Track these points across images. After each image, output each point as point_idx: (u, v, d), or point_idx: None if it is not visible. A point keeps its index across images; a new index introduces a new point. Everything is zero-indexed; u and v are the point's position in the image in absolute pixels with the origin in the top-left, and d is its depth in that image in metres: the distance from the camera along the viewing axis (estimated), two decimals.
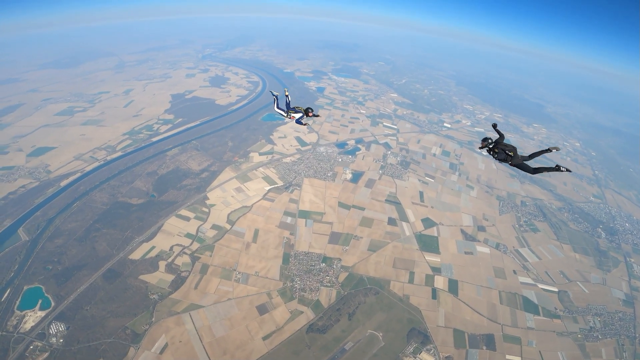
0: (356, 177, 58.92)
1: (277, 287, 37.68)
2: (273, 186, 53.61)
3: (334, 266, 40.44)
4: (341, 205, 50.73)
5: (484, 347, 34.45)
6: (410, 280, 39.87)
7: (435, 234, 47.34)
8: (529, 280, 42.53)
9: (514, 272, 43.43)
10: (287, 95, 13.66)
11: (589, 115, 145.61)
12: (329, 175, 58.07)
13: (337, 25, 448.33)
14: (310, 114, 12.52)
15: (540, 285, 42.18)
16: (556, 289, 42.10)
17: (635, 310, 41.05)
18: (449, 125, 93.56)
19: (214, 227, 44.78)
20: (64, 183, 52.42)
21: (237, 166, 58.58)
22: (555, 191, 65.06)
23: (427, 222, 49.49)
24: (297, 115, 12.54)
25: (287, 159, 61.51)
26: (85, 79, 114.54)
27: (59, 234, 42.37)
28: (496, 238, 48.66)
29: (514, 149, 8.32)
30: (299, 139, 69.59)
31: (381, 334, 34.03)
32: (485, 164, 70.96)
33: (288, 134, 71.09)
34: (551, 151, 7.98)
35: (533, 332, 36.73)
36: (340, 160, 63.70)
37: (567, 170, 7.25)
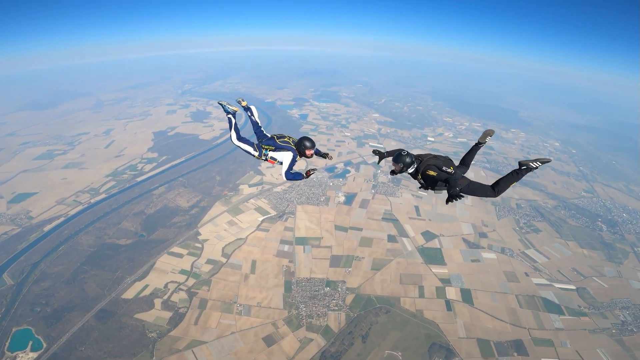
0: (349, 199, 58.03)
1: (282, 316, 35.61)
2: (266, 216, 52.10)
3: (339, 289, 38.78)
4: (338, 228, 49.45)
5: (515, 354, 32.74)
6: (421, 295, 38.38)
7: (438, 246, 46.25)
8: (544, 281, 41.55)
9: (526, 274, 42.44)
10: (248, 110, 8.14)
11: (562, 116, 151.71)
12: (321, 200, 56.99)
13: (314, 53, 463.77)
14: (310, 154, 7.18)
15: (557, 285, 41.20)
16: (574, 287, 41.20)
17: None
18: (432, 139, 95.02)
19: (209, 261, 42.85)
20: (47, 228, 50.20)
21: (227, 200, 56.97)
22: (547, 190, 65.59)
23: (428, 235, 48.46)
24: (282, 156, 7.17)
25: (278, 188, 60.31)
26: (64, 120, 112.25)
27: (45, 277, 40.26)
28: (500, 243, 47.89)
29: (447, 162, 5.98)
30: None
31: (400, 354, 32.07)
32: (474, 173, 71.44)
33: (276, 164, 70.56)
34: (480, 145, 6.53)
35: (563, 332, 35.31)
36: (331, 184, 62.85)
37: (538, 164, 5.56)
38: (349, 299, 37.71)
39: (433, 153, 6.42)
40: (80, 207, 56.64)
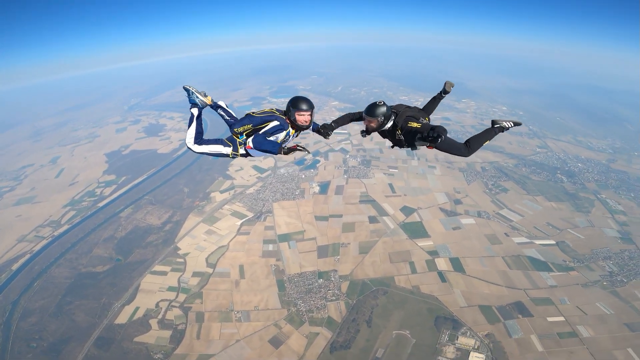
0: (324, 187, 57.80)
1: (283, 316, 34.90)
2: (244, 219, 50.68)
3: (332, 279, 38.54)
4: (318, 218, 49.09)
5: (520, 316, 33.49)
6: (413, 271, 38.84)
7: (418, 219, 47.22)
8: (524, 239, 43.49)
9: (506, 234, 44.27)
10: (218, 109, 6.09)
11: (502, 83, 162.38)
12: (296, 193, 56.31)
13: (266, 51, 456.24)
14: (305, 121, 5.37)
15: (537, 242, 43.24)
16: (553, 242, 43.33)
17: (637, 245, 43.18)
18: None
19: (195, 274, 41.11)
20: (15, 266, 46.50)
21: (201, 210, 54.75)
22: (505, 151, 69.07)
23: (406, 210, 49.36)
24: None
25: (250, 190, 58.81)
26: (2, 155, 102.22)
27: (30, 313, 37.56)
28: (475, 207, 49.77)
29: (421, 112, 5.61)
30: (256, 168, 67.02)
31: (408, 332, 32.21)
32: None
33: (244, 165, 68.22)
34: (443, 96, 6.37)
35: (558, 289, 36.61)
36: (303, 176, 62.27)
37: (510, 124, 5.42)
38: (344, 286, 37.56)
39: (403, 104, 5.67)
40: (44, 242, 52.43)
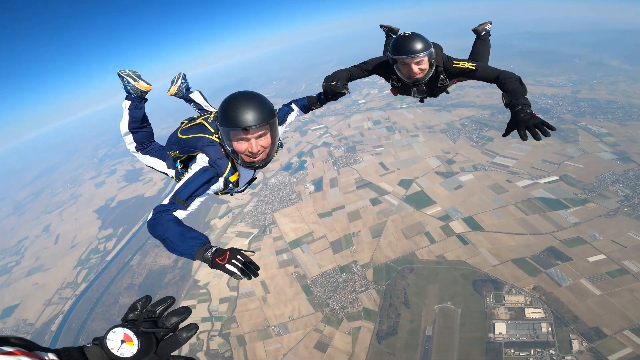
0: (318, 185, 57.91)
1: (319, 319, 34.66)
2: (251, 237, 50.52)
3: (355, 270, 38.48)
4: (322, 215, 49.11)
5: (559, 262, 31.96)
6: (432, 241, 38.53)
7: (419, 188, 47.75)
8: (528, 181, 43.85)
9: (508, 181, 44.78)
10: (190, 102, 4.66)
11: (454, 44, 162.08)
12: (293, 198, 56.24)
13: (222, 67, 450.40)
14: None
15: (541, 181, 43.47)
16: (556, 177, 43.61)
17: (637, 162, 43.25)
18: (363, 101, 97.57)
19: (222, 300, 40.79)
20: (53, 327, 46.14)
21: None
22: (476, 104, 70.71)
23: (405, 183, 49.84)
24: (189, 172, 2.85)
25: (248, 207, 58.33)
26: None
27: None
28: (468, 162, 50.71)
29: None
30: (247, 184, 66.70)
31: (450, 303, 31.30)
32: (412, 114, 74.85)
33: None
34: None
35: (583, 225, 35.45)
36: (295, 180, 62.18)
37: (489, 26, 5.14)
38: (369, 274, 37.26)
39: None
40: (70, 302, 51.72)
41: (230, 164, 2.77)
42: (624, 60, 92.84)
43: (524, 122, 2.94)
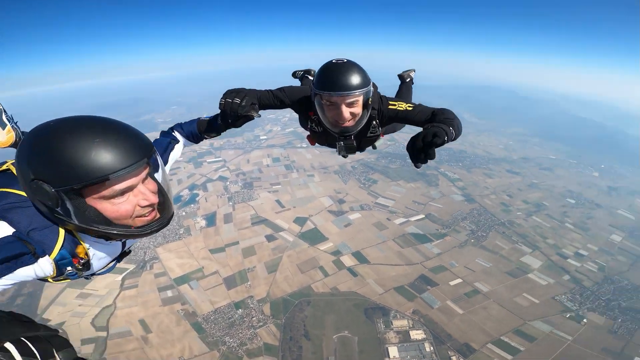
0: (210, 220, 54.71)
1: (216, 358, 31.70)
2: (125, 273, 43.67)
3: (251, 305, 37.02)
4: (214, 251, 46.25)
5: (429, 287, 37.83)
6: (325, 274, 40.42)
7: (313, 226, 49.62)
8: (402, 219, 50.31)
9: (388, 219, 50.51)
10: None
11: None
12: (181, 233, 51.53)
13: (110, 83, 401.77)
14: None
15: (412, 219, 50.44)
16: (423, 215, 51.36)
17: (479, 203, 54.11)
18: (265, 137, 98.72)
19: (86, 341, 33.87)
20: None
21: None
22: (366, 149, 79.11)
23: (300, 221, 51.10)
24: None
25: None
26: None
27: None
28: (356, 202, 55.32)
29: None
30: None
31: (347, 332, 33.02)
32: (310, 154, 78.82)
33: None
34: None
35: (444, 255, 42.99)
36: (184, 213, 57.41)
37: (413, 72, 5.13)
38: (267, 309, 36.47)
39: None
40: None
41: (63, 239, 1.57)
42: (473, 113, 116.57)
43: (427, 134, 2.21)
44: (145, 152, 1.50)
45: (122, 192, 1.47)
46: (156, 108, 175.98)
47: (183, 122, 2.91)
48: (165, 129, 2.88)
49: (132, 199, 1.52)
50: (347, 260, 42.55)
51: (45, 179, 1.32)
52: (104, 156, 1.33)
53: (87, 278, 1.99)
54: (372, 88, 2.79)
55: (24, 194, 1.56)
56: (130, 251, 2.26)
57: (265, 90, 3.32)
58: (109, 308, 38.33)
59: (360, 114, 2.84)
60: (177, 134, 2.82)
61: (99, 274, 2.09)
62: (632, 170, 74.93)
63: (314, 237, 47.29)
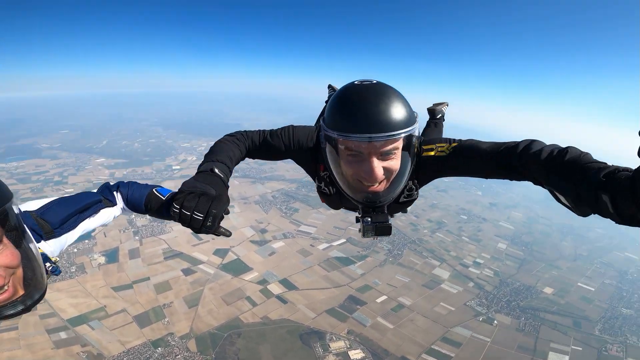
0: (112, 256, 48.26)
1: None
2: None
3: (173, 342, 33.23)
4: (118, 288, 40.63)
5: (358, 307, 39.01)
6: (253, 304, 38.87)
7: (235, 257, 47.57)
8: (325, 245, 51.97)
9: (311, 245, 51.50)
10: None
11: (273, 120, 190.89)
12: (72, 271, 44.23)
13: None
14: None
15: (334, 243, 52.44)
16: (344, 239, 53.71)
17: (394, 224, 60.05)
18: (178, 167, 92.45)
19: None
20: None
21: None
22: (285, 178, 79.99)
23: (220, 252, 48.48)
24: None
25: None
26: None
27: None
28: (279, 231, 55.26)
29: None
30: None
31: None
32: (229, 185, 76.74)
33: None
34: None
35: (367, 275, 45.26)
36: (76, 250, 49.30)
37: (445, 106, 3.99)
38: (192, 345, 33.14)
39: None
40: None
41: None
42: None
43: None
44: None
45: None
46: (41, 131, 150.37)
47: (134, 182, 2.17)
48: (52, 156, 2.29)
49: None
50: (275, 288, 41.73)
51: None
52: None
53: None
54: (417, 125, 1.72)
55: None
56: None
57: (257, 132, 2.41)
58: None
59: (398, 171, 1.78)
60: (117, 196, 2.11)
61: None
62: (505, 187, 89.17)
63: (238, 267, 45.31)
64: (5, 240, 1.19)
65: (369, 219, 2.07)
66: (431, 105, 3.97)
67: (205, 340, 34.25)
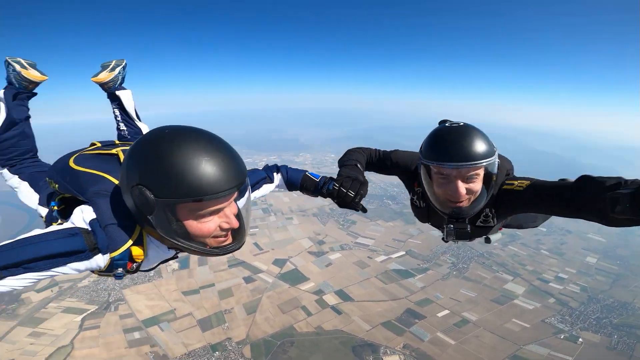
0: (184, 263, 52.08)
1: None
2: (85, 313, 40.17)
3: (230, 347, 34.63)
4: (187, 293, 43.74)
5: (416, 320, 37.44)
6: (308, 314, 38.99)
7: (293, 267, 48.47)
8: (383, 257, 50.69)
9: (369, 257, 50.54)
10: (114, 102, 3.30)
11: (326, 134, 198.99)
12: (151, 275, 48.36)
13: None
14: None
15: (393, 256, 50.97)
16: (403, 252, 51.98)
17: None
18: None
19: None
20: None
21: (12, 314, 40.85)
22: None
23: (279, 262, 49.82)
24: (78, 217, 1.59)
25: (84, 282, 47.05)
26: None
27: None
28: (336, 242, 55.11)
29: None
30: None
31: None
32: (288, 197, 78.75)
33: None
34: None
35: (428, 288, 43.35)
36: None
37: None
38: (247, 351, 34.22)
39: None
40: None
41: (134, 237, 1.60)
42: None
43: None
44: (242, 178, 1.53)
45: (211, 213, 1.51)
46: None
47: (287, 166, 2.71)
48: (271, 164, 2.79)
49: (217, 220, 1.55)
50: (330, 299, 41.43)
51: (150, 186, 1.36)
52: (210, 176, 1.38)
53: (117, 278, 1.90)
54: (497, 159, 2.17)
55: (117, 182, 1.67)
56: (177, 256, 2.17)
57: (375, 150, 3.11)
58: (66, 348, 34.89)
59: (479, 193, 2.21)
60: (276, 176, 2.65)
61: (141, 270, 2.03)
62: None
63: (295, 277, 46.01)
64: (233, 202, 1.61)
65: (452, 226, 2.53)
66: None
67: (259, 347, 35.14)
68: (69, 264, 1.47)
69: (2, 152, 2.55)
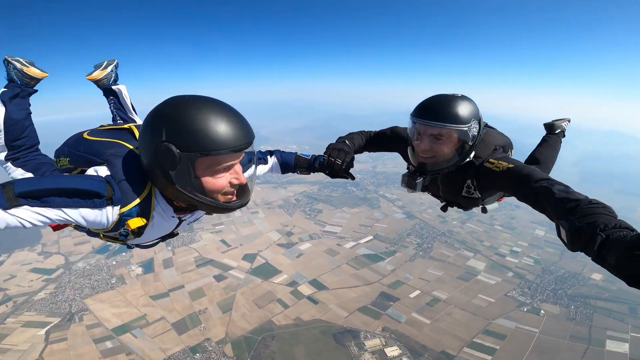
0: (148, 266, 49.96)
1: None
2: (49, 326, 37.83)
3: (210, 347, 34.18)
4: (156, 297, 42.30)
5: (391, 303, 38.87)
6: (285, 306, 39.23)
7: (264, 261, 48.45)
8: (352, 243, 52.06)
9: (338, 244, 51.82)
10: (110, 95, 3.48)
11: (286, 125, 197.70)
12: (113, 282, 46.16)
13: None
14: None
15: (361, 241, 52.55)
16: (371, 236, 53.76)
17: (419, 218, 59.21)
18: None
19: None
20: None
21: None
22: (307, 180, 79.41)
23: (249, 257, 49.54)
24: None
25: (39, 295, 43.82)
26: None
27: None
28: (305, 232, 55.81)
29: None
30: (37, 270, 50.28)
31: None
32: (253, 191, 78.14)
33: (16, 271, 50.14)
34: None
35: (397, 270, 45.04)
36: (114, 263, 51.48)
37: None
38: (228, 349, 33.92)
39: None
40: None
41: (141, 199, 1.70)
42: None
43: None
44: (253, 136, 1.69)
45: (224, 169, 1.67)
46: None
47: (279, 150, 3.03)
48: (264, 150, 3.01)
49: (228, 176, 1.70)
50: (305, 289, 42.06)
51: (176, 142, 1.50)
52: (230, 133, 1.55)
53: (129, 247, 2.25)
54: (470, 127, 2.24)
55: (132, 147, 1.84)
56: (177, 233, 2.27)
57: (371, 131, 3.37)
58: None
59: (445, 155, 2.35)
60: (270, 158, 2.92)
61: (142, 247, 2.30)
62: None
63: (267, 271, 46.09)
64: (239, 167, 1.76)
65: (406, 175, 2.80)
66: (550, 120, 3.84)
67: (240, 344, 35.02)
68: (80, 208, 1.51)
69: (13, 147, 2.66)
